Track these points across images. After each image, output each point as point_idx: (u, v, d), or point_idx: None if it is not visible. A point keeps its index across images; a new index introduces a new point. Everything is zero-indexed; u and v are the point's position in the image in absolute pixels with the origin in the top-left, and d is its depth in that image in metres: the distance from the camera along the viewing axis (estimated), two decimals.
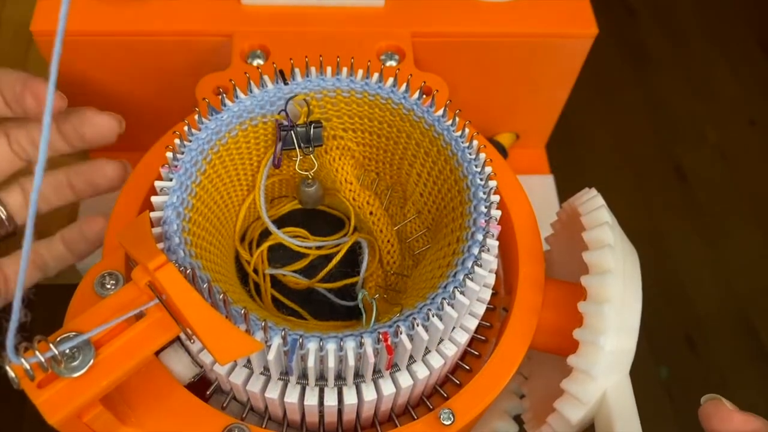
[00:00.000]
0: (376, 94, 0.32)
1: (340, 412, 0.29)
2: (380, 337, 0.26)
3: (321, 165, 0.35)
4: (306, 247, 0.36)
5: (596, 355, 0.29)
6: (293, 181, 0.36)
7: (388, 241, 0.35)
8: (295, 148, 0.33)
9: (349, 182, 0.35)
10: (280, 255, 0.36)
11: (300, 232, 0.36)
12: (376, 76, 0.33)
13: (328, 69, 0.33)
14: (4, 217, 0.37)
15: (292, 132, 0.33)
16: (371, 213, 0.36)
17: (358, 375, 0.28)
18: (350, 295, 0.35)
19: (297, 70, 0.32)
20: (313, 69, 0.33)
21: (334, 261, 0.35)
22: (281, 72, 0.32)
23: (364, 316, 0.31)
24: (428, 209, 0.34)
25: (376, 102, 0.33)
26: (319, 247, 0.36)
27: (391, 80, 0.33)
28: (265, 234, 0.36)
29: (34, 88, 0.34)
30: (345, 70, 0.33)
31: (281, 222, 0.37)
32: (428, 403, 0.31)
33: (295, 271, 0.35)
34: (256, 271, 0.35)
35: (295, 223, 0.37)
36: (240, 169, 0.34)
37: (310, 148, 0.33)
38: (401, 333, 0.26)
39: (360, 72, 0.33)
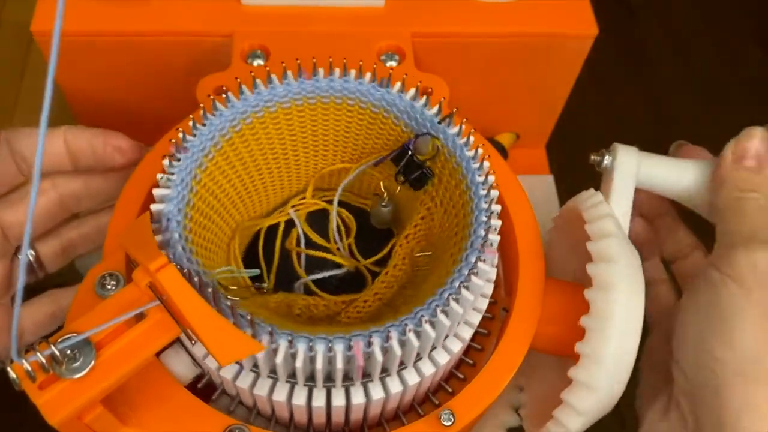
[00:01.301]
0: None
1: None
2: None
3: (404, 198, 0.35)
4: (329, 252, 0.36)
5: (604, 340, 0.29)
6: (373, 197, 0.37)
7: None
8: (399, 170, 0.33)
9: (407, 239, 0.34)
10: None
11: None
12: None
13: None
14: (35, 264, 0.37)
15: (407, 158, 0.33)
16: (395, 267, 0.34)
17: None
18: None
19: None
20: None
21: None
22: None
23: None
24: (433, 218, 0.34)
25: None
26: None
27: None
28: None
29: (117, 142, 0.35)
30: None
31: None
32: (428, 403, 0.31)
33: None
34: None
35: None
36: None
37: (405, 182, 0.33)
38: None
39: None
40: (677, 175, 0.35)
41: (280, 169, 0.36)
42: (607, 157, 0.36)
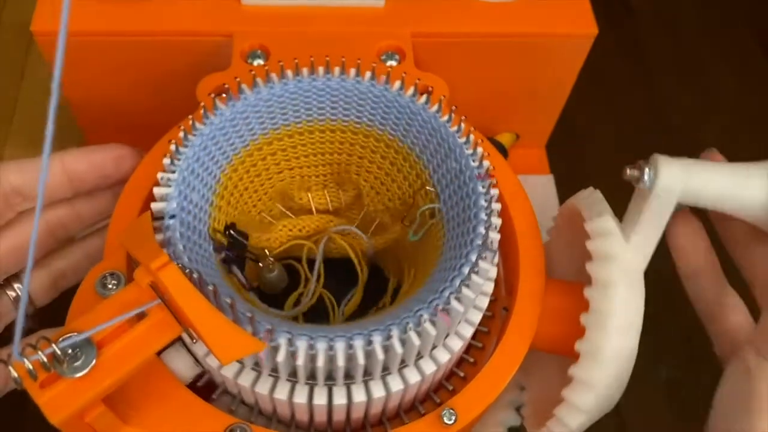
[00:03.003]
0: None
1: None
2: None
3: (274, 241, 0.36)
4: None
5: (604, 338, 0.29)
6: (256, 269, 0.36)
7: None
8: (244, 255, 0.34)
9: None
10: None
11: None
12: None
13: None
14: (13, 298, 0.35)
15: (231, 249, 0.33)
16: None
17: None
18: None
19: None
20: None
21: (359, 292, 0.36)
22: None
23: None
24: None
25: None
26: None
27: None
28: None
29: (116, 153, 0.35)
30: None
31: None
32: (430, 402, 0.31)
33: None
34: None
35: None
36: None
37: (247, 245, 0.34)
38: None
39: None
40: (737, 183, 0.30)
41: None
42: (647, 172, 0.30)
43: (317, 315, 0.35)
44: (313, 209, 0.37)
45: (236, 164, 0.34)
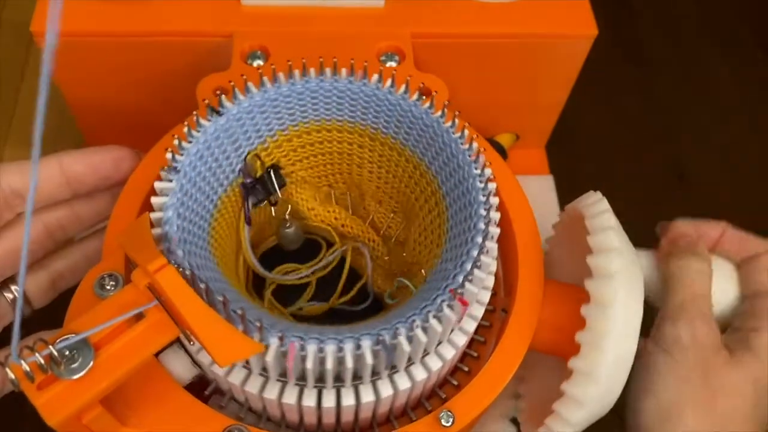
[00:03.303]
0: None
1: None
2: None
3: (288, 203, 0.36)
4: (305, 276, 0.36)
5: (598, 358, 0.29)
6: (274, 221, 0.37)
7: (370, 240, 0.37)
8: (264, 200, 0.34)
9: (311, 209, 0.37)
10: (288, 289, 0.37)
11: (291, 267, 0.37)
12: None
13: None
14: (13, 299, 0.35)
15: (257, 185, 0.34)
16: (343, 225, 0.37)
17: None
18: (361, 298, 0.37)
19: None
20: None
21: (344, 277, 0.36)
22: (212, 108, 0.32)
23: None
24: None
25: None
26: (315, 271, 0.37)
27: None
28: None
29: (115, 154, 0.34)
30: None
31: (274, 258, 0.38)
32: (426, 405, 0.31)
33: (309, 301, 0.36)
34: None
35: (284, 255, 0.37)
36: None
37: (279, 193, 0.34)
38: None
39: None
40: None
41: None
42: None
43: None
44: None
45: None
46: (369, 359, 0.26)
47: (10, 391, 0.33)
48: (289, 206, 0.36)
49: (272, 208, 0.35)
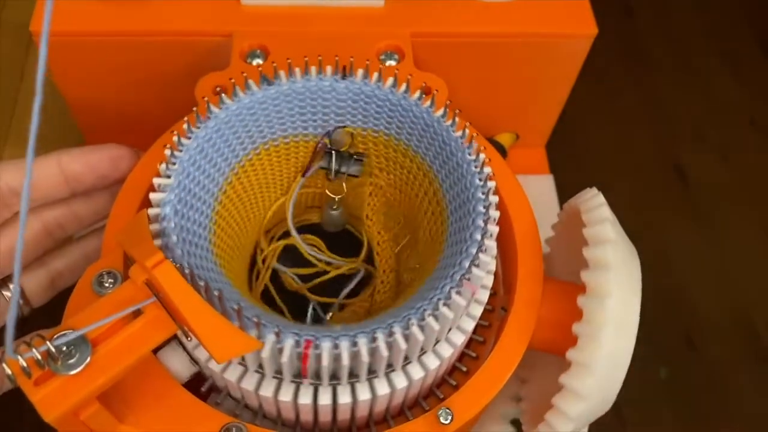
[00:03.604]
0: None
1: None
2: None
3: (351, 193, 0.36)
4: (316, 257, 0.36)
5: (596, 349, 0.29)
6: (323, 198, 0.37)
7: (384, 273, 0.36)
8: (330, 169, 0.34)
9: (370, 219, 0.36)
10: (293, 257, 0.36)
11: (317, 242, 0.37)
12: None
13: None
14: (19, 299, 0.35)
15: (335, 154, 0.34)
16: (378, 244, 0.36)
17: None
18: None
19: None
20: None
21: (327, 276, 0.36)
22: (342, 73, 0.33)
23: None
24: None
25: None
26: (328, 263, 0.36)
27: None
28: (287, 235, 0.37)
29: (114, 153, 0.35)
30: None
31: (306, 230, 0.38)
32: (424, 405, 0.31)
33: (297, 275, 0.36)
34: (264, 262, 0.36)
35: (318, 234, 0.37)
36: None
37: (345, 176, 0.34)
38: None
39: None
40: None
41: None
42: None
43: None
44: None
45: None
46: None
47: (8, 389, 0.33)
48: (343, 193, 0.36)
49: (327, 182, 0.35)
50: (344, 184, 0.36)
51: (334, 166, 0.34)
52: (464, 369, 0.32)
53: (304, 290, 0.36)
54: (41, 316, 0.37)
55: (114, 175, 0.35)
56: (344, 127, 0.33)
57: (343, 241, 0.38)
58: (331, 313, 0.35)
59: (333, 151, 0.34)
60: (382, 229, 0.36)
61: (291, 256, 0.36)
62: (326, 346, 0.25)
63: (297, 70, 0.33)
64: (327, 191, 0.36)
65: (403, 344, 0.26)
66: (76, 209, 0.36)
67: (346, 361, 0.26)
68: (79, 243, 0.37)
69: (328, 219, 0.37)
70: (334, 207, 0.36)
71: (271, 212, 0.36)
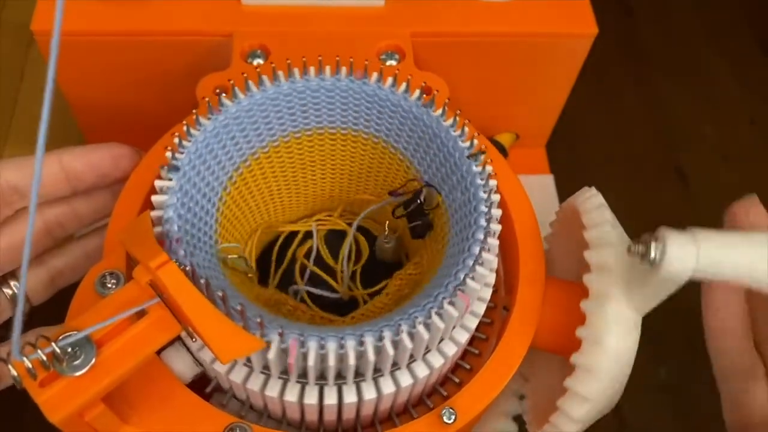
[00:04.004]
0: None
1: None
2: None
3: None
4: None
5: (599, 353, 0.29)
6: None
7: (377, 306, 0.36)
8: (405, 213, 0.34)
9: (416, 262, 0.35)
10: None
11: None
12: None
13: None
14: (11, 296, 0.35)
15: (415, 204, 0.33)
16: (400, 279, 0.35)
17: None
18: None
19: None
20: None
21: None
22: None
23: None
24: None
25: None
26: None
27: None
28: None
29: (115, 152, 0.34)
30: None
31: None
32: (428, 403, 0.31)
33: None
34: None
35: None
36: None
37: (405, 218, 0.34)
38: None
39: None
40: (755, 258, 0.26)
41: (306, 187, 0.37)
42: (654, 247, 0.26)
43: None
44: None
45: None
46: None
47: (9, 385, 0.33)
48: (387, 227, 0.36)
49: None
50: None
51: (408, 212, 0.33)
52: (467, 366, 0.32)
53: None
54: (39, 312, 0.37)
55: (115, 174, 0.35)
56: (434, 187, 0.32)
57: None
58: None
59: (419, 201, 0.33)
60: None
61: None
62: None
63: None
64: (386, 224, 0.36)
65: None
66: (76, 208, 0.36)
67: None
68: (79, 242, 0.37)
69: (379, 248, 0.37)
70: (386, 240, 0.36)
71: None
